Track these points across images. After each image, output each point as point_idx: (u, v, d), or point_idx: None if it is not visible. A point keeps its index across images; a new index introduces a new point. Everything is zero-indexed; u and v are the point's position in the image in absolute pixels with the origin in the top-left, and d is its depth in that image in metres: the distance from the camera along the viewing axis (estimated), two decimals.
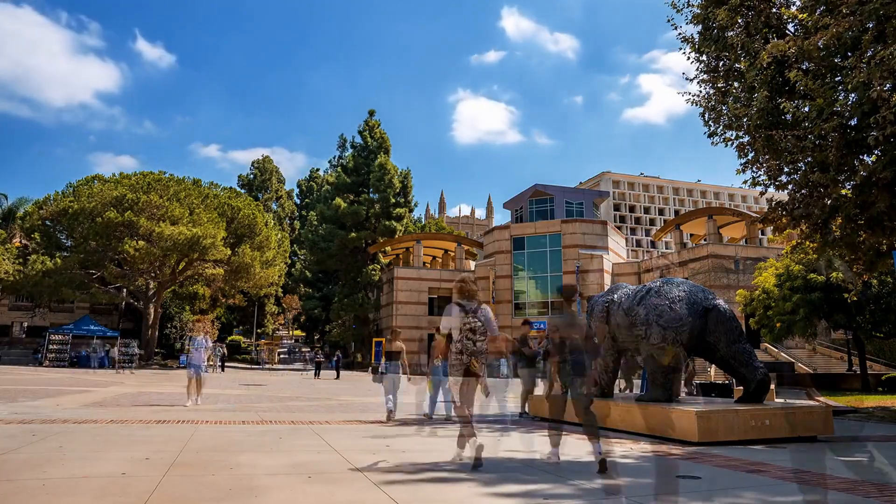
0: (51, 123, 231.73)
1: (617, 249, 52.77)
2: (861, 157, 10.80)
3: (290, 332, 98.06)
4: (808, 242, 13.75)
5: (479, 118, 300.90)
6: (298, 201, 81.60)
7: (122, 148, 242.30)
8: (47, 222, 40.35)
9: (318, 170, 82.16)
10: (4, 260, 38.26)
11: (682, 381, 17.14)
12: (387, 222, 55.02)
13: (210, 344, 14.45)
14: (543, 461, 6.29)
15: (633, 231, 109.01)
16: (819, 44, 9.80)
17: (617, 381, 12.30)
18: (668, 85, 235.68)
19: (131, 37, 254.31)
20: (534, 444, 7.78)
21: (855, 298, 20.09)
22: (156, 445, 6.80)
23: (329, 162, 78.84)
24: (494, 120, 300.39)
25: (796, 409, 9.01)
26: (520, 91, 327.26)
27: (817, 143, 10.44)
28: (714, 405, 8.85)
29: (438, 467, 5.87)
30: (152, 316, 42.44)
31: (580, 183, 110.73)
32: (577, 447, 7.51)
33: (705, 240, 46.87)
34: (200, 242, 37.03)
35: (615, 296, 10.72)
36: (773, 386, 13.18)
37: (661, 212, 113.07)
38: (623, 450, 7.33)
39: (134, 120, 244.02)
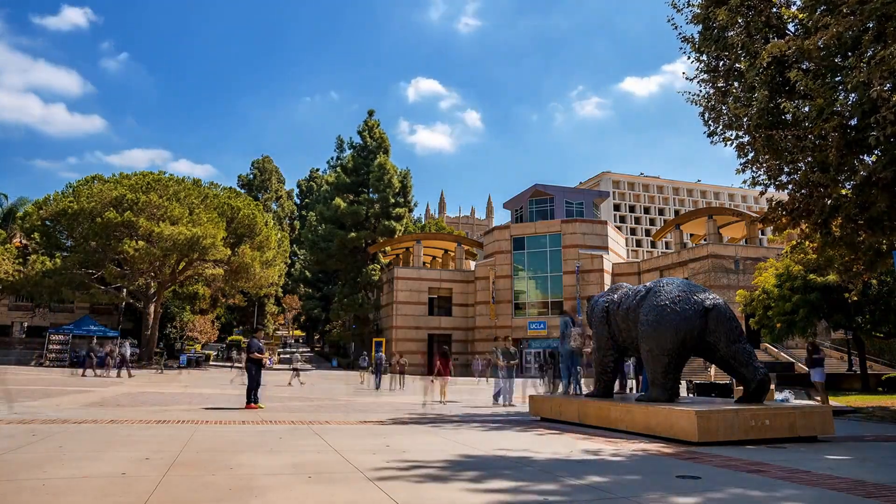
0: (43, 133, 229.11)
1: (617, 249, 52.76)
2: (861, 156, 10.80)
3: (291, 332, 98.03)
4: (807, 242, 13.76)
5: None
6: (298, 201, 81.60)
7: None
8: (47, 222, 40.33)
9: (317, 170, 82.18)
10: (4, 260, 38.25)
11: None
12: (386, 222, 55.00)
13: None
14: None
15: (633, 231, 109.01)
16: (819, 43, 9.80)
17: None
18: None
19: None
20: (532, 443, 7.78)
21: (855, 298, 20.09)
22: (156, 445, 6.80)
23: (327, 163, 78.84)
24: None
25: (796, 409, 9.01)
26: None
27: (817, 142, 10.44)
28: (714, 405, 8.85)
29: (438, 466, 5.87)
30: (152, 316, 42.43)
31: (580, 183, 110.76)
32: (568, 445, 7.51)
33: (705, 240, 46.86)
34: (200, 242, 37.02)
35: (615, 296, 10.72)
36: (772, 386, 13.18)
37: (661, 212, 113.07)
38: (616, 448, 7.32)
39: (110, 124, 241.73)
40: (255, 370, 13.07)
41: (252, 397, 12.98)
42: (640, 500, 4.51)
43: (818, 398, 15.77)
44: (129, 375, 28.17)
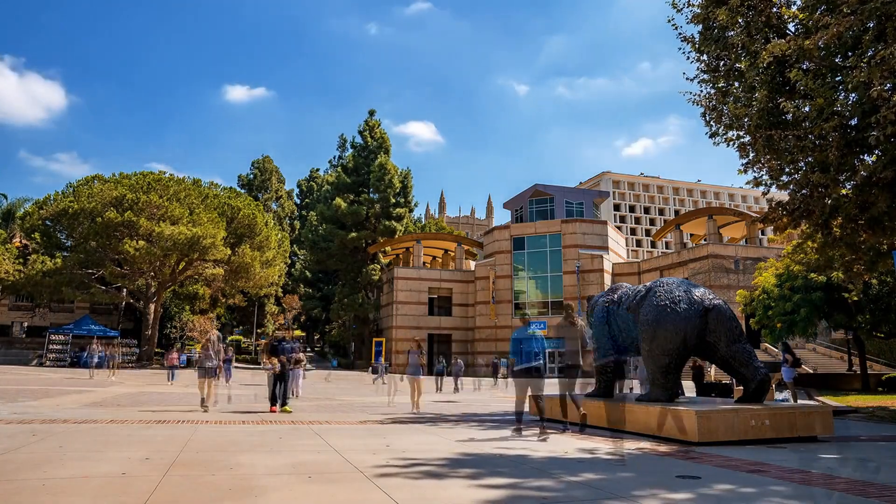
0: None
1: (617, 249, 52.76)
2: (861, 156, 10.79)
3: (292, 333, 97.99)
4: (808, 242, 13.76)
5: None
6: (298, 201, 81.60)
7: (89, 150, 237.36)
8: (47, 222, 40.34)
9: (317, 170, 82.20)
10: (4, 260, 38.26)
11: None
12: (387, 222, 55.00)
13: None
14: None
15: (633, 231, 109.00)
16: (819, 43, 9.79)
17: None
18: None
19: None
20: (531, 443, 7.78)
21: (855, 298, 20.08)
22: (156, 445, 6.80)
23: (329, 162, 78.86)
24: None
25: (796, 409, 9.01)
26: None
27: (817, 142, 10.44)
28: (714, 405, 8.85)
29: (437, 465, 5.87)
30: (152, 316, 42.43)
31: (580, 183, 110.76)
32: (565, 443, 7.51)
33: (705, 240, 46.85)
34: (200, 242, 37.03)
35: (615, 296, 10.72)
36: (773, 386, 13.18)
37: (661, 212, 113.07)
38: (614, 447, 7.32)
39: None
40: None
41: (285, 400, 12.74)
42: (637, 498, 4.51)
43: (817, 399, 15.76)
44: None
